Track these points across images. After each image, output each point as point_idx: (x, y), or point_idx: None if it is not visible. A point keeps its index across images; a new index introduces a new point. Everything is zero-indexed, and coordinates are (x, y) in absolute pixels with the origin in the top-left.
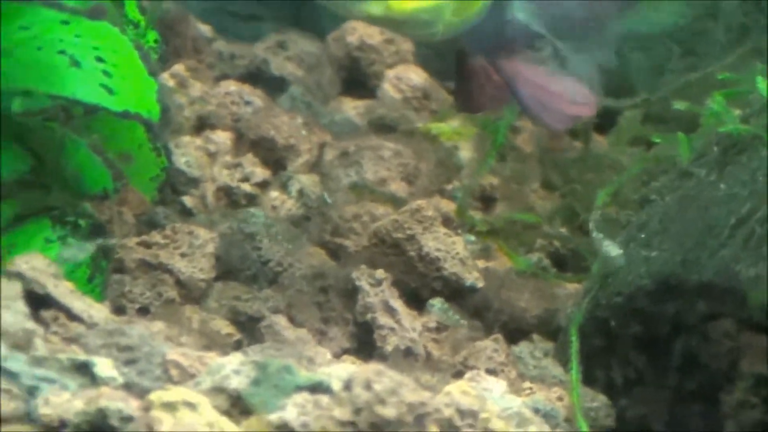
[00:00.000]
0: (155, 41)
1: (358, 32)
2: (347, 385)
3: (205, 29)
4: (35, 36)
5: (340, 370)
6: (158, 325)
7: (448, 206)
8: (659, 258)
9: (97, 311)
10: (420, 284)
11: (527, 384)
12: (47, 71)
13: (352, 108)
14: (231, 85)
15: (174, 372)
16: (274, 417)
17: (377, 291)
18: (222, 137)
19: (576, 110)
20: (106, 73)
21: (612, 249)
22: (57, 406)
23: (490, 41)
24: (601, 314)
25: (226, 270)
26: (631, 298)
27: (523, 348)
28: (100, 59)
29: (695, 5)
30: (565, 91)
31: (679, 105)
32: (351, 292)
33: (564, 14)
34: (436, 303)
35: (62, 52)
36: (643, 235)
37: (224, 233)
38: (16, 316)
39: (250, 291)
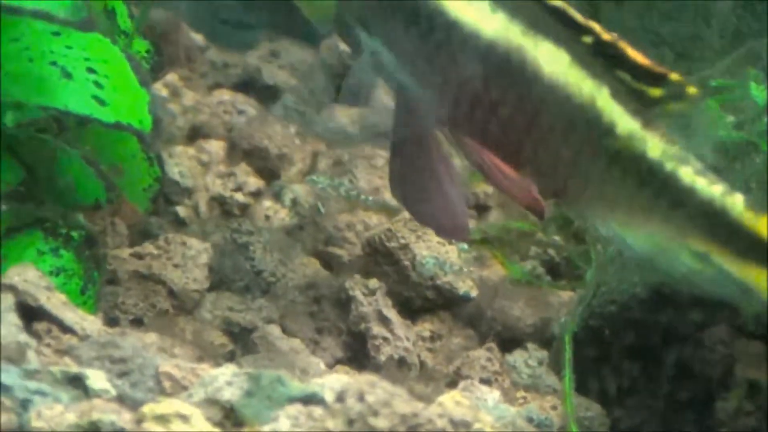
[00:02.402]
0: (147, 51)
1: None
2: (340, 397)
3: (197, 38)
4: (26, 48)
5: (333, 381)
6: (151, 337)
7: None
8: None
9: (90, 323)
10: (414, 293)
11: (521, 393)
12: (39, 83)
13: (345, 116)
14: (224, 94)
15: (167, 384)
16: (266, 429)
17: (371, 300)
18: (215, 147)
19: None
20: (97, 84)
21: None
22: (50, 419)
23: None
24: (595, 323)
25: (220, 280)
26: (625, 307)
27: (517, 357)
28: (91, 70)
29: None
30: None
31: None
32: (344, 302)
33: None
34: (428, 260)
35: (53, 63)
36: None
37: (217, 243)
38: (9, 328)
39: (243, 301)
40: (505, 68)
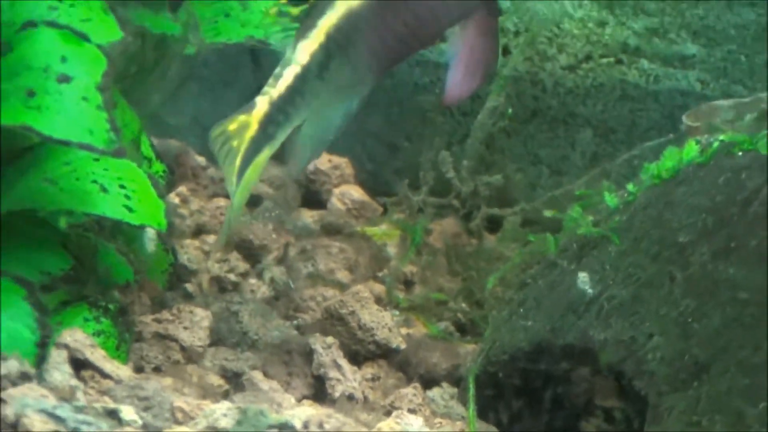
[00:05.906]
0: (163, 171)
1: (312, 161)
2: (306, 424)
3: (200, 160)
4: (74, 169)
5: (300, 413)
6: (167, 380)
7: (380, 289)
8: (534, 327)
9: (123, 371)
10: (359, 347)
11: (438, 420)
12: (83, 196)
13: (309, 216)
14: (220, 201)
15: (179, 415)
16: None
17: (328, 352)
18: (214, 240)
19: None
20: (127, 196)
21: (583, 278)
22: None
23: None
24: (492, 368)
25: (218, 338)
26: (514, 357)
27: (435, 393)
28: (122, 186)
29: (558, 136)
30: None
31: (548, 213)
32: (309, 354)
33: None
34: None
35: (94, 181)
36: (522, 310)
37: (216, 311)
38: (63, 375)
39: (235, 353)
40: None
